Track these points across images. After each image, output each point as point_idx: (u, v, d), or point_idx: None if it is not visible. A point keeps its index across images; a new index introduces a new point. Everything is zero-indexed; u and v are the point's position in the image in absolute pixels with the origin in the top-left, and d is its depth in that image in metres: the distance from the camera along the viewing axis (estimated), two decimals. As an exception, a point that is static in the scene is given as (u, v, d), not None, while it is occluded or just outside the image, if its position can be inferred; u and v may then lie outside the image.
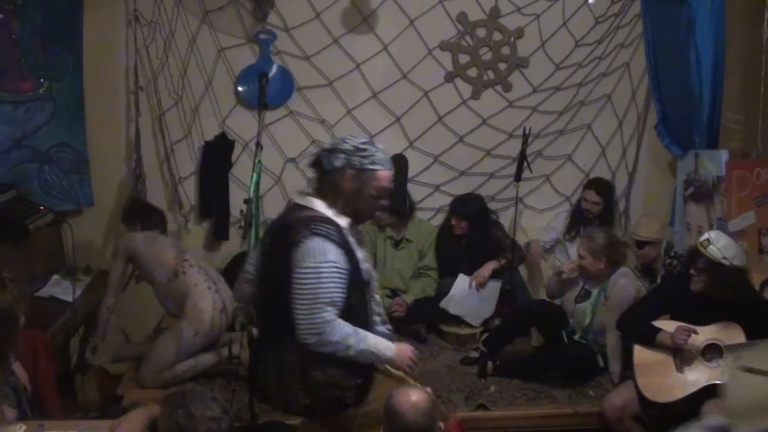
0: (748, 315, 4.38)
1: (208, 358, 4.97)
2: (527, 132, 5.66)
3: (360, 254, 3.74)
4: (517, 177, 5.74)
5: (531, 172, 6.07)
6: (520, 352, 5.46)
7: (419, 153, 6.29)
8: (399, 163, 6.00)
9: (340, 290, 3.55)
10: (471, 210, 6.04)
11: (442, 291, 6.01)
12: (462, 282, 5.90)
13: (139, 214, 5.31)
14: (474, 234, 6.03)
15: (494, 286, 5.91)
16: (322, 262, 3.49)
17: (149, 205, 5.54)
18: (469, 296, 5.87)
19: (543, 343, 5.51)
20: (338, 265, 3.54)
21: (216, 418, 2.80)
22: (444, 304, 5.86)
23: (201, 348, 4.93)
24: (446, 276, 6.10)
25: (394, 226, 6.05)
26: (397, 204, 5.88)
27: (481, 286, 5.87)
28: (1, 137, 5.38)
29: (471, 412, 4.74)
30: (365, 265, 3.79)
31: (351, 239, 3.69)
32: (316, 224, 3.56)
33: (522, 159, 5.66)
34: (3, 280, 3.37)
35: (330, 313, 3.52)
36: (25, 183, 5.42)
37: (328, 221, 3.61)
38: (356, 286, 3.69)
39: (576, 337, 5.20)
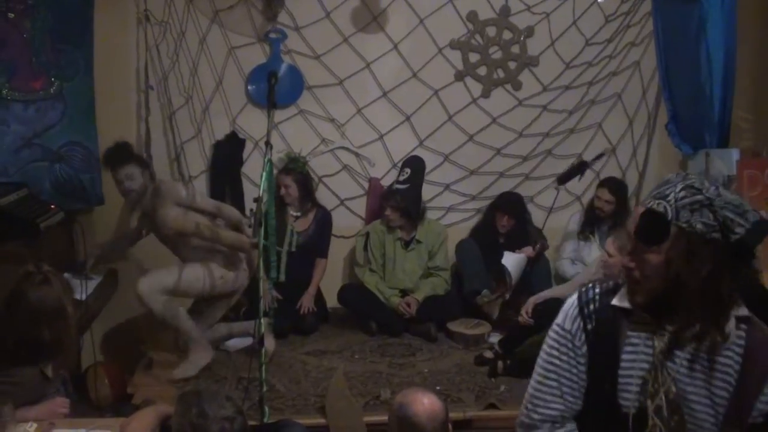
0: (758, 315, 4.35)
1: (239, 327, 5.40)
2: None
3: (629, 373, 2.32)
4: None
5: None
6: (532, 351, 5.41)
7: (429, 152, 6.29)
8: (416, 165, 6.01)
9: (565, 383, 2.50)
10: (518, 207, 6.16)
11: (461, 251, 6.13)
12: (509, 255, 5.96)
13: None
14: (514, 230, 6.11)
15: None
16: (556, 324, 2.54)
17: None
18: (520, 258, 5.94)
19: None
20: (569, 342, 2.46)
21: (229, 417, 2.79)
22: (504, 260, 5.89)
23: (215, 295, 5.25)
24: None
25: (404, 227, 6.05)
26: (411, 206, 5.89)
27: (529, 256, 5.98)
28: (12, 136, 5.40)
29: (481, 412, 4.72)
30: (632, 395, 2.31)
31: (626, 337, 2.34)
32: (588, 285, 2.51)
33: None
34: (45, 273, 3.40)
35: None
36: (36, 182, 5.44)
37: (603, 288, 2.47)
38: (599, 415, 2.41)
39: None
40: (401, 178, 5.96)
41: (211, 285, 5.11)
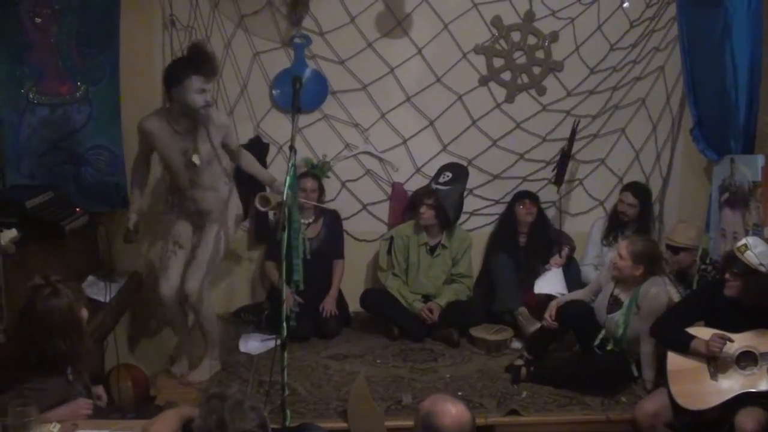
0: None
1: None
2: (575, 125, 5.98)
3: None
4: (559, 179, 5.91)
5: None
6: (555, 359, 5.41)
7: (452, 157, 6.29)
8: (458, 170, 6.00)
9: None
10: (535, 196, 6.18)
11: (493, 267, 6.11)
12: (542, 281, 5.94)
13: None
14: (535, 228, 6.14)
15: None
16: None
17: None
18: (554, 275, 5.92)
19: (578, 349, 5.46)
20: None
21: (249, 430, 2.77)
22: (536, 288, 5.86)
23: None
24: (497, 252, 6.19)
25: (432, 230, 6.04)
26: (450, 209, 5.91)
27: (560, 265, 5.96)
28: (38, 140, 5.44)
29: (502, 418, 4.72)
30: None
31: None
32: None
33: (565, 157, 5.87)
34: (53, 285, 3.41)
35: None
36: (62, 185, 5.47)
37: None
38: None
39: (609, 347, 5.13)
40: (442, 180, 5.95)
41: (226, 241, 5.22)
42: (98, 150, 5.60)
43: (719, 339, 4.33)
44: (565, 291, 5.75)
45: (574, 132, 6.10)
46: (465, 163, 6.30)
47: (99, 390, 3.94)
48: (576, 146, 6.31)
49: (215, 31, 5.93)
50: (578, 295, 5.38)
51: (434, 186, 5.95)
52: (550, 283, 5.85)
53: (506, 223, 6.25)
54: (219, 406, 2.80)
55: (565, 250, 6.01)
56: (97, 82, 5.53)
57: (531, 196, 6.15)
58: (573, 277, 6.00)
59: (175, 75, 4.73)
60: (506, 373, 5.25)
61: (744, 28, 5.05)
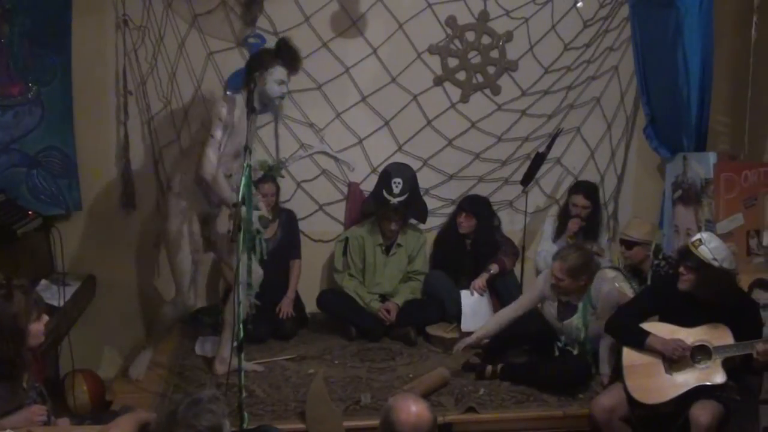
0: (735, 316, 4.39)
1: None
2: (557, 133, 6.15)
3: None
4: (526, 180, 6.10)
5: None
6: (517, 359, 5.41)
7: (408, 157, 6.29)
8: (406, 173, 5.99)
9: None
10: (480, 207, 6.12)
11: (431, 284, 6.10)
12: (466, 297, 5.90)
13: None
14: (479, 235, 6.10)
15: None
16: None
17: None
18: (479, 305, 5.88)
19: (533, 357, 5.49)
20: None
21: (197, 429, 2.72)
22: (464, 326, 5.79)
23: None
24: (436, 269, 6.19)
25: (387, 233, 6.06)
26: (419, 216, 6.06)
27: (483, 290, 5.88)
28: (-11, 141, 5.37)
29: (460, 415, 4.73)
30: None
31: None
32: None
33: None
34: (11, 288, 3.32)
35: None
36: (14, 187, 5.38)
37: None
38: None
39: (575, 352, 5.13)
40: (396, 191, 5.89)
41: None
42: (50, 152, 5.52)
43: (681, 348, 4.37)
44: (473, 320, 5.75)
45: (554, 138, 6.15)
46: (420, 163, 6.32)
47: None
48: (531, 146, 6.36)
49: (169, 30, 5.87)
50: (513, 310, 5.33)
51: (393, 202, 5.88)
52: (477, 317, 5.81)
53: (451, 225, 6.26)
54: (178, 400, 2.79)
55: (491, 270, 5.98)
56: (48, 82, 5.46)
57: (468, 208, 6.10)
58: (509, 290, 5.99)
59: (262, 60, 4.97)
60: (470, 372, 5.24)
61: (695, 27, 5.11)
